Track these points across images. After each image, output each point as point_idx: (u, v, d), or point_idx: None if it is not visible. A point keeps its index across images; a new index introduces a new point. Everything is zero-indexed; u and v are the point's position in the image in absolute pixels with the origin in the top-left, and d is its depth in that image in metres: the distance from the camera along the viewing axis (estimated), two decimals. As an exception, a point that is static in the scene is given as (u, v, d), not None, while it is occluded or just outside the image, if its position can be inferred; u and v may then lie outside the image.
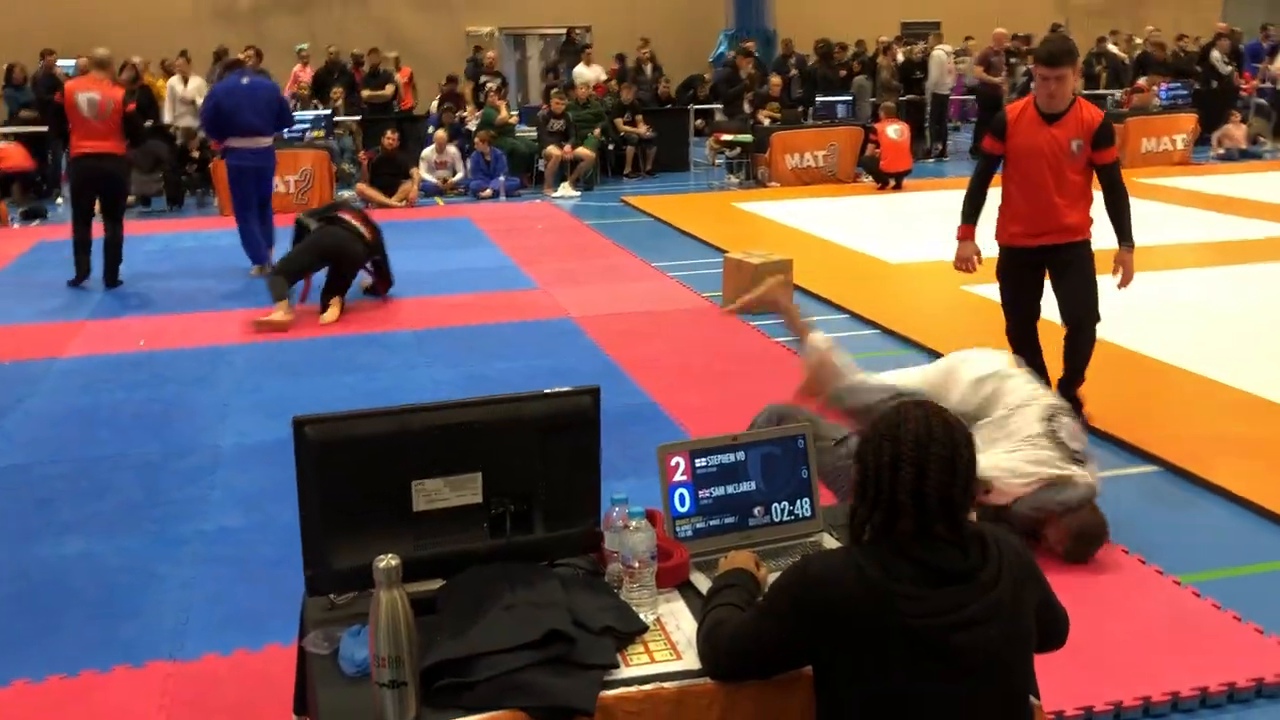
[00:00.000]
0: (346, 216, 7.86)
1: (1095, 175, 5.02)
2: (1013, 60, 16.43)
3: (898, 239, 10.03)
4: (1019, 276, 5.25)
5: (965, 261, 5.43)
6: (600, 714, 1.85)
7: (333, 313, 7.55)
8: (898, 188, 13.22)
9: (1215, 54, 17.34)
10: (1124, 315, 7.15)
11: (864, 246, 9.77)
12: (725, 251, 8.41)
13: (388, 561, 1.78)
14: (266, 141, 8.90)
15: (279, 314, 7.34)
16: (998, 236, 5.28)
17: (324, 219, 7.85)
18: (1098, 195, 5.05)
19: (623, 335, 6.99)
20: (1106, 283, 5.12)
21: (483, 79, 15.79)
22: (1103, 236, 5.14)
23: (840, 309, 7.71)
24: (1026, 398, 3.84)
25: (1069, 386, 5.20)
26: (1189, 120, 15.11)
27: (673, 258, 9.58)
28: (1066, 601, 3.54)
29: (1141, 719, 3.04)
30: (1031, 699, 2.06)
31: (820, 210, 11.95)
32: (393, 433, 2.08)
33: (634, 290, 8.30)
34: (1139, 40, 17.86)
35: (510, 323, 7.36)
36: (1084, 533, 3.76)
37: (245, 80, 8.99)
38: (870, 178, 13.66)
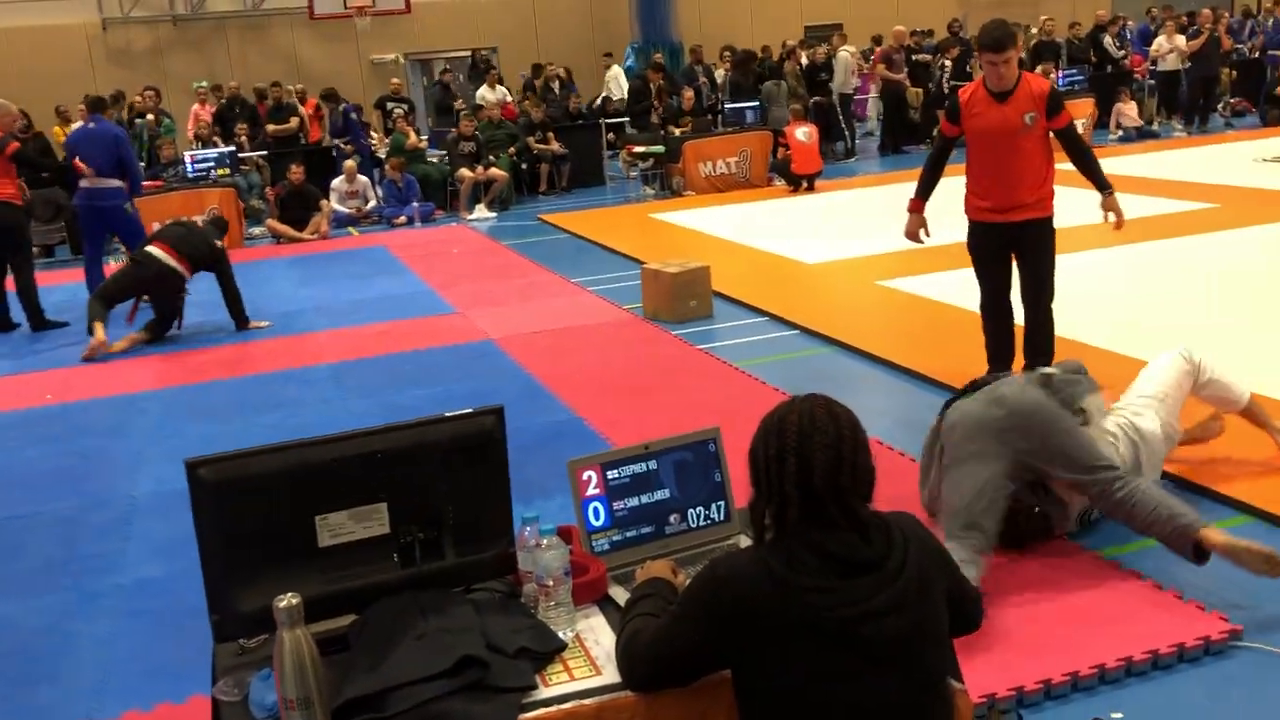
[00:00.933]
0: (154, 248, 8.07)
1: (1058, 142, 5.25)
2: (914, 57, 16.73)
3: (813, 239, 10.14)
4: (987, 251, 5.43)
5: (912, 233, 5.61)
6: (521, 738, 1.83)
7: (119, 344, 7.85)
8: (810, 189, 13.37)
9: (1106, 39, 17.82)
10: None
11: (780, 249, 9.85)
12: (643, 262, 8.42)
13: (288, 601, 1.74)
14: (111, 183, 8.94)
15: (96, 335, 7.72)
16: (966, 212, 5.46)
17: (140, 250, 8.18)
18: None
19: (544, 353, 6.96)
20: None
21: (389, 105, 15.67)
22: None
23: (759, 311, 7.76)
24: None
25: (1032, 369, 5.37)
26: (1086, 105, 15.48)
27: (592, 272, 9.58)
28: (994, 584, 3.60)
29: (1071, 694, 3.08)
30: (954, 683, 2.08)
31: (736, 216, 12.04)
32: (291, 468, 2.03)
33: (554, 307, 8.27)
34: (1034, 31, 18.28)
35: (429, 349, 7.29)
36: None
37: (92, 124, 9.16)
38: (783, 181, 13.79)
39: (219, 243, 8.29)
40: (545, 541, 2.07)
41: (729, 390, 5.90)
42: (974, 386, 3.86)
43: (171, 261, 7.97)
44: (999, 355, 5.55)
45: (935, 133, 5.47)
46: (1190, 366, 4.13)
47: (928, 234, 5.61)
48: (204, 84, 16.39)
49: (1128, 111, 16.20)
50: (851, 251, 9.38)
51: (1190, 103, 16.74)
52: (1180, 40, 16.56)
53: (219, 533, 2.00)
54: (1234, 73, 18.19)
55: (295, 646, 1.72)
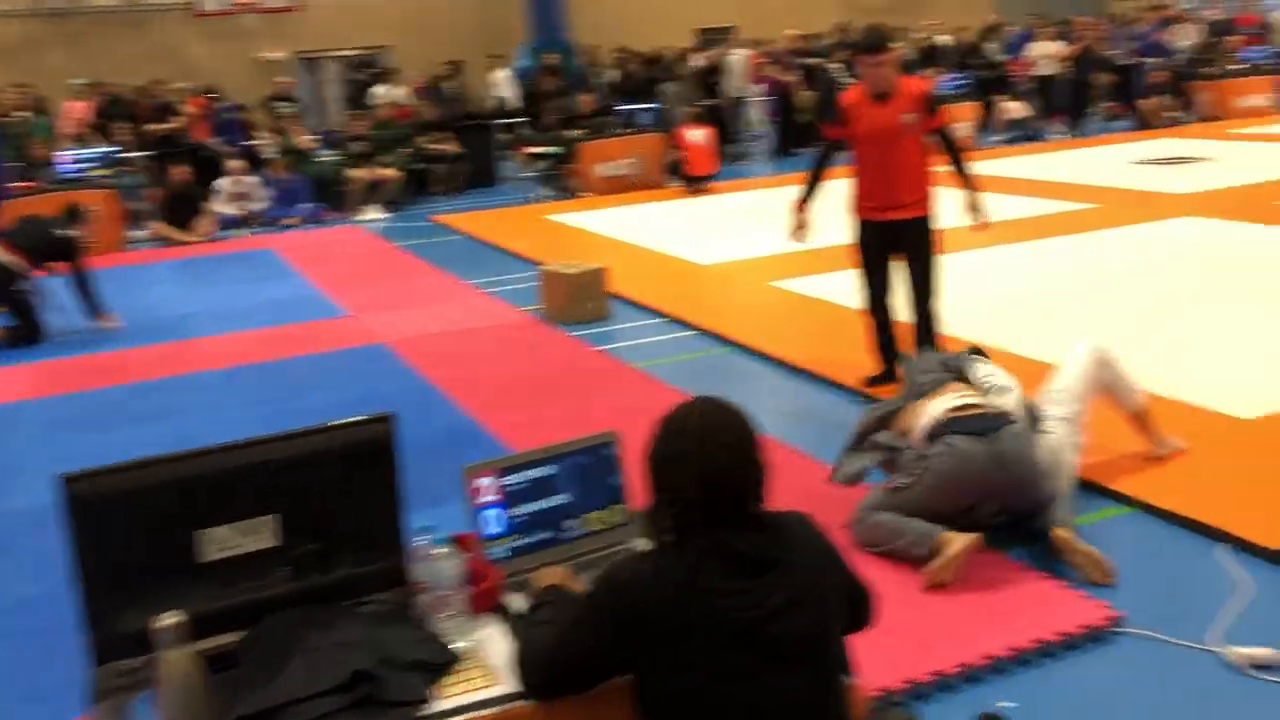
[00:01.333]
0: None
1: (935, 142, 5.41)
2: (804, 61, 16.98)
3: (708, 241, 10.21)
4: (871, 249, 5.55)
5: (795, 232, 5.70)
6: (416, 751, 1.79)
7: None
8: (705, 190, 13.47)
9: (990, 45, 18.34)
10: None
11: (676, 250, 9.90)
12: (540, 264, 8.38)
13: (168, 620, 1.67)
14: None
15: None
16: (852, 211, 5.56)
17: None
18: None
19: (440, 356, 6.87)
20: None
21: (276, 105, 15.31)
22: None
23: (656, 312, 7.78)
24: None
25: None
26: (971, 108, 15.91)
27: (488, 274, 9.49)
28: (885, 579, 3.66)
29: (963, 685, 3.15)
30: (847, 678, 2.10)
31: (632, 217, 12.06)
32: (172, 481, 1.96)
33: (449, 309, 8.18)
34: (917, 35, 18.72)
35: (320, 353, 7.14)
36: None
37: None
38: (678, 182, 13.86)
39: (67, 232, 8.01)
40: (439, 551, 2.03)
41: (627, 391, 5.90)
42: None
43: (3, 255, 7.71)
44: (886, 350, 5.66)
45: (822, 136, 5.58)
46: (1102, 357, 4.23)
47: (810, 235, 5.69)
48: (82, 81, 15.78)
49: (1009, 108, 16.62)
50: (745, 252, 9.48)
51: (1069, 106, 17.32)
52: (1055, 46, 17.14)
53: (97, 551, 1.91)
54: (1110, 77, 18.87)
55: (178, 668, 1.66)
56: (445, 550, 2.04)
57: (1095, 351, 4.22)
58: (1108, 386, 4.22)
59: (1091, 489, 4.31)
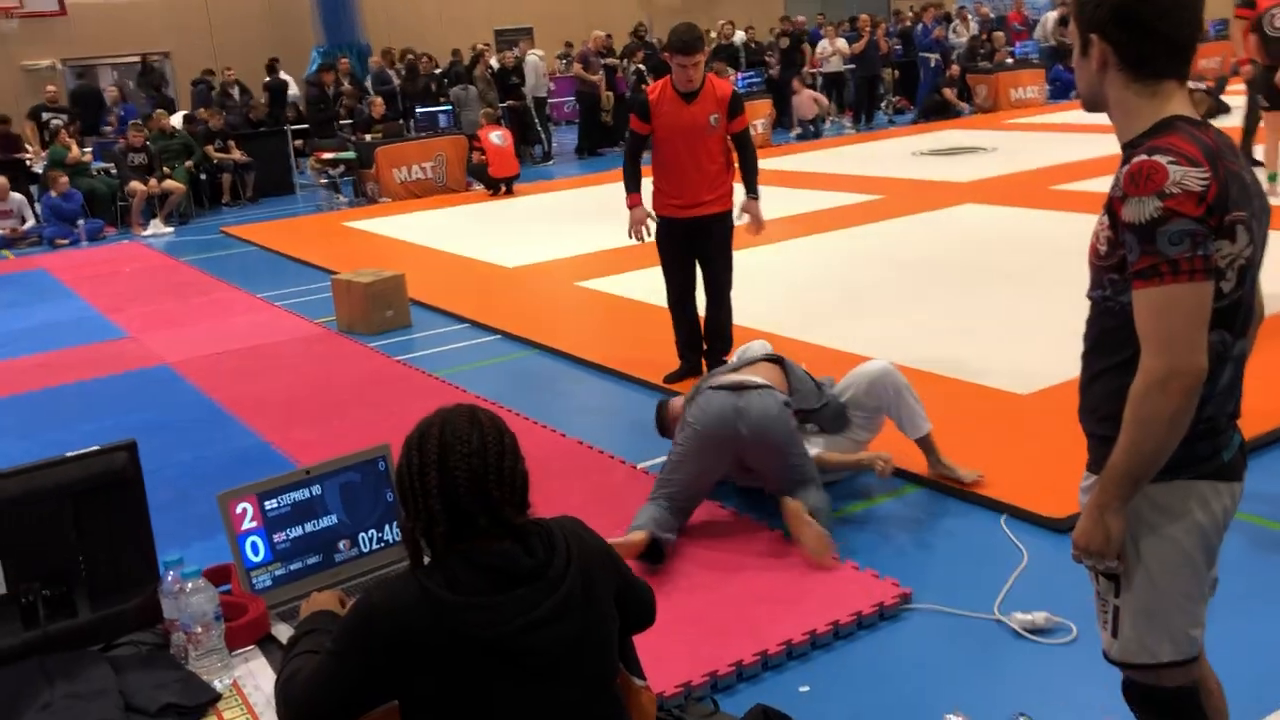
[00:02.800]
0: None
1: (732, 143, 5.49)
2: (605, 61, 17.06)
3: (513, 243, 10.12)
4: (674, 246, 5.60)
5: (637, 226, 5.64)
6: (167, 805, 1.65)
7: None
8: (509, 193, 13.36)
9: (784, 42, 18.87)
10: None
11: (480, 254, 9.77)
12: (335, 274, 8.10)
13: None
14: None
15: None
16: (654, 208, 5.59)
17: None
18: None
19: (228, 375, 6.55)
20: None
21: (46, 116, 14.35)
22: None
23: (459, 318, 7.65)
24: None
25: (715, 356, 5.63)
26: (764, 106, 16.34)
27: (282, 286, 9.14)
28: (681, 572, 3.68)
29: (762, 673, 3.18)
30: (636, 681, 2.07)
31: (434, 221, 11.85)
32: None
33: (239, 325, 7.81)
34: (713, 35, 19.09)
35: (97, 379, 6.70)
36: None
37: None
38: (481, 185, 13.71)
39: None
40: (190, 585, 1.89)
41: (430, 401, 5.61)
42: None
43: None
44: (689, 346, 5.72)
45: (628, 133, 5.58)
46: (891, 380, 4.26)
47: (654, 221, 5.65)
48: None
49: (806, 101, 17.10)
50: (551, 254, 9.43)
51: (856, 102, 18.01)
52: (841, 43, 17.79)
53: None
54: (895, 73, 19.73)
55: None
56: (197, 584, 1.90)
57: (885, 373, 4.27)
58: (890, 409, 4.27)
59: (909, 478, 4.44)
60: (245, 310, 8.36)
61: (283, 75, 17.26)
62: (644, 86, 16.25)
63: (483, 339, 7.15)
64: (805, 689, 3.08)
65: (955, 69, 18.27)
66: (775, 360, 4.28)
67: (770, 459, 3.87)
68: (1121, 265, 1.85)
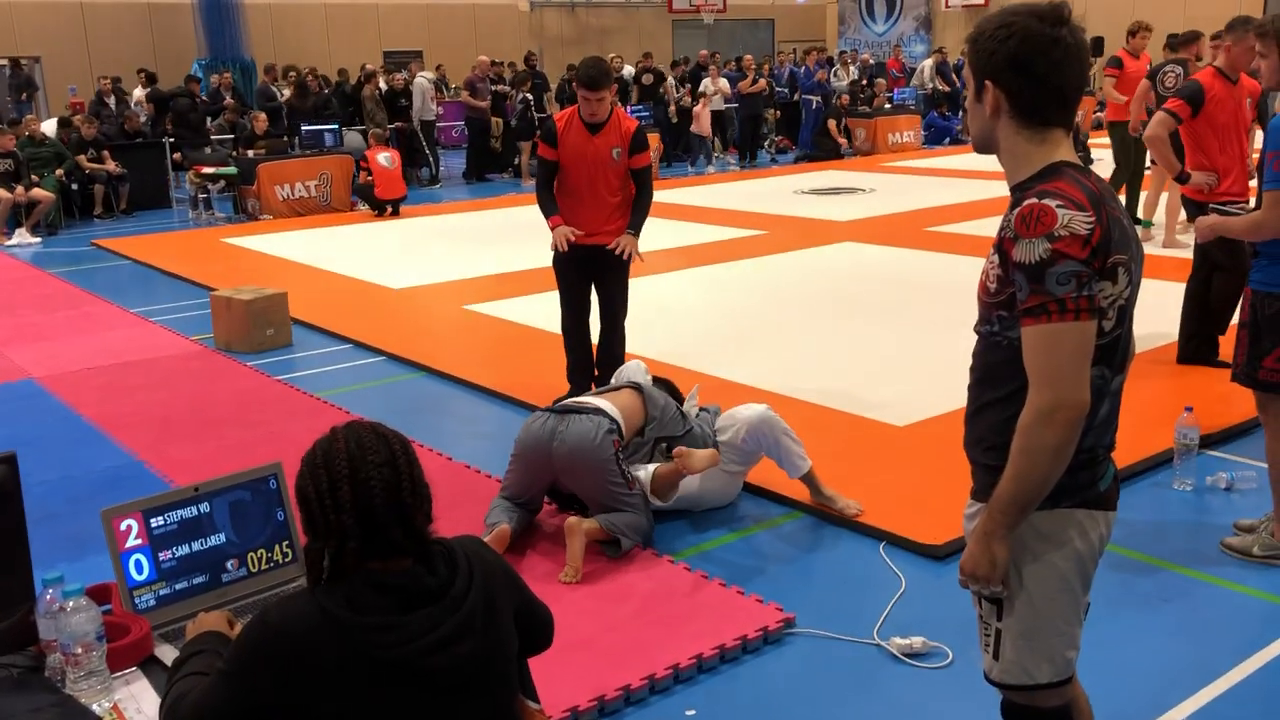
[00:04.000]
0: None
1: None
2: (494, 88, 17.05)
3: (399, 265, 10.00)
4: (571, 271, 5.62)
5: (562, 239, 5.53)
6: (42, 833, 1.59)
7: None
8: (395, 214, 13.22)
9: (670, 80, 19.15)
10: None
11: (365, 274, 9.63)
12: (213, 289, 7.89)
13: None
14: None
15: None
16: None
17: None
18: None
19: (99, 391, 6.31)
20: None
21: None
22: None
23: (343, 338, 7.52)
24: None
25: (606, 381, 5.58)
26: (653, 139, 16.53)
27: (156, 301, 8.85)
28: (571, 596, 3.68)
29: (649, 697, 3.20)
30: (529, 704, 2.07)
31: (317, 241, 11.64)
32: None
33: (112, 340, 7.54)
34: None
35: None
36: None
37: None
38: (366, 205, 13.53)
39: None
40: (70, 604, 1.82)
41: (310, 422, 5.64)
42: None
43: None
44: (579, 371, 5.74)
45: (536, 159, 5.61)
46: (769, 422, 4.33)
47: (575, 237, 5.59)
48: None
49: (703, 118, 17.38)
50: (439, 276, 9.36)
51: (741, 139, 18.37)
52: (724, 83, 18.15)
53: None
54: (778, 113, 20.20)
55: None
56: (78, 603, 1.83)
57: (763, 419, 4.34)
58: (770, 451, 4.36)
59: (766, 495, 4.54)
60: (117, 325, 8.07)
61: (140, 90, 16.77)
62: (532, 114, 16.32)
63: (367, 360, 7.05)
64: (691, 713, 3.11)
65: (846, 99, 18.77)
66: (636, 388, 4.41)
67: (583, 481, 4.07)
68: (1010, 302, 1.95)
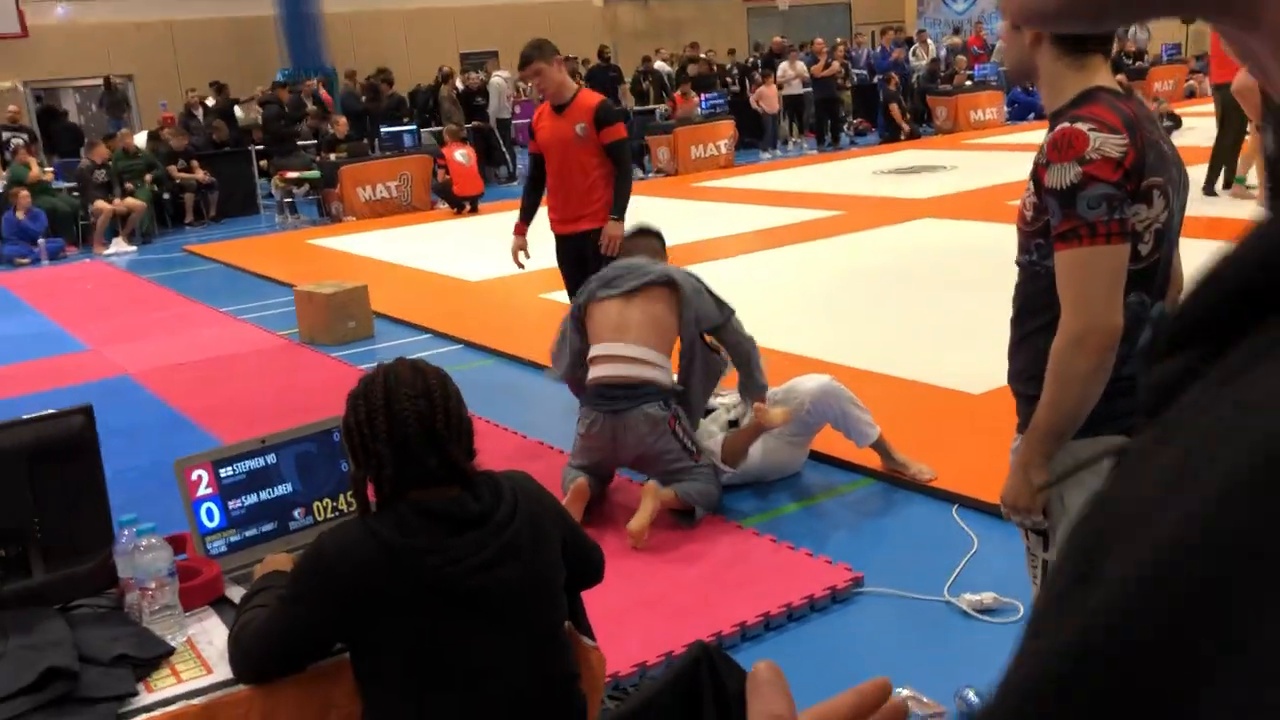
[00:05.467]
0: None
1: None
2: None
3: (477, 258, 10.15)
4: (563, 263, 5.55)
5: (513, 254, 5.65)
6: (119, 749, 1.68)
7: None
8: (474, 211, 13.41)
9: (745, 65, 19.11)
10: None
11: (443, 268, 9.80)
12: (296, 286, 8.12)
13: None
14: None
15: None
16: (550, 225, 5.56)
17: None
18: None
19: (190, 385, 6.54)
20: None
21: (6, 136, 14.28)
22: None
23: (422, 329, 7.68)
24: None
25: None
26: (728, 127, 16.51)
27: (244, 301, 9.13)
28: (640, 558, 3.73)
29: (717, 653, 3.23)
30: (586, 640, 2.12)
31: (398, 239, 11.87)
32: None
33: (201, 338, 7.80)
34: (679, 56, 19.31)
35: (57, 389, 6.65)
36: None
37: None
38: (446, 204, 13.76)
39: None
40: (144, 543, 1.92)
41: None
42: None
43: None
44: None
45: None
46: (833, 391, 4.28)
47: (527, 256, 5.66)
48: None
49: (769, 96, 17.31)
50: (515, 268, 9.45)
51: (818, 123, 18.23)
52: (801, 67, 18.03)
53: None
54: (850, 94, 20.00)
55: None
56: (151, 542, 1.93)
57: (827, 389, 4.28)
58: (836, 423, 4.31)
59: (833, 463, 4.53)
60: (207, 324, 8.35)
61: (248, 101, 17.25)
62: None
63: (445, 348, 7.18)
64: (758, 668, 3.13)
65: (895, 80, 18.38)
66: (667, 283, 4.19)
67: (651, 468, 4.09)
68: (1046, 230, 1.94)
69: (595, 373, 4.18)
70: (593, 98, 5.32)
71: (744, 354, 4.24)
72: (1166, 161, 1.93)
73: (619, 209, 5.27)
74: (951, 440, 4.69)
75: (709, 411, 4.52)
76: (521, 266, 5.69)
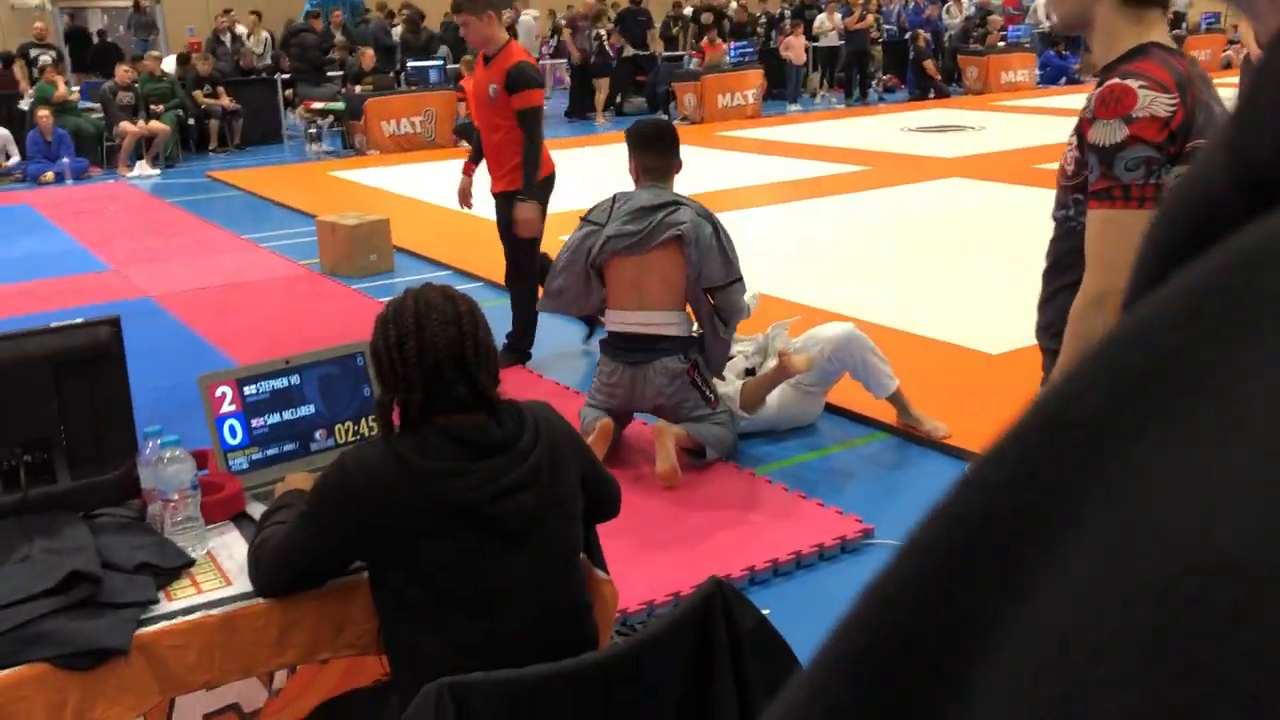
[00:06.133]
0: None
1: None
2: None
3: (498, 197, 10.12)
4: (498, 219, 5.29)
5: (459, 196, 5.61)
6: (140, 653, 1.72)
7: None
8: (497, 150, 13.32)
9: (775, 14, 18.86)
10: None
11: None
12: (319, 216, 8.11)
13: None
14: None
15: None
16: None
17: None
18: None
19: (210, 310, 6.57)
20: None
21: (34, 53, 14.23)
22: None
23: (443, 265, 7.68)
24: None
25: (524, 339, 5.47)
26: (756, 76, 16.34)
27: (266, 229, 9.14)
28: (653, 504, 3.75)
29: (724, 596, 3.26)
30: (598, 573, 2.14)
31: (421, 174, 11.83)
32: None
33: (223, 263, 7.82)
34: (712, 4, 19.04)
35: (80, 307, 6.69)
36: None
37: None
38: (467, 144, 13.68)
39: None
40: (168, 454, 1.95)
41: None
42: None
43: None
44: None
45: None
46: (855, 341, 4.25)
47: (469, 198, 5.57)
48: None
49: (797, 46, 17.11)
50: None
51: (847, 76, 18.02)
52: (838, 18, 17.79)
53: None
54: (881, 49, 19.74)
55: None
56: (175, 454, 1.95)
57: (849, 336, 4.26)
58: (855, 372, 4.29)
59: (848, 416, 4.53)
60: (229, 250, 8.37)
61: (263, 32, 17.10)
62: (607, 52, 16.23)
63: (466, 285, 7.16)
64: (766, 612, 3.16)
65: (925, 37, 18.12)
66: (677, 238, 3.98)
67: (668, 414, 4.08)
68: (1085, 186, 1.92)
69: (614, 324, 4.17)
70: (511, 58, 4.90)
71: (724, 319, 4.06)
72: (1216, 123, 1.91)
73: (528, 187, 4.97)
74: (967, 399, 4.69)
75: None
76: (468, 207, 5.54)
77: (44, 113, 12.26)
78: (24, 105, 13.01)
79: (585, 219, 4.24)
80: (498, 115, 4.95)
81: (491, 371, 1.78)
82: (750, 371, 4.42)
